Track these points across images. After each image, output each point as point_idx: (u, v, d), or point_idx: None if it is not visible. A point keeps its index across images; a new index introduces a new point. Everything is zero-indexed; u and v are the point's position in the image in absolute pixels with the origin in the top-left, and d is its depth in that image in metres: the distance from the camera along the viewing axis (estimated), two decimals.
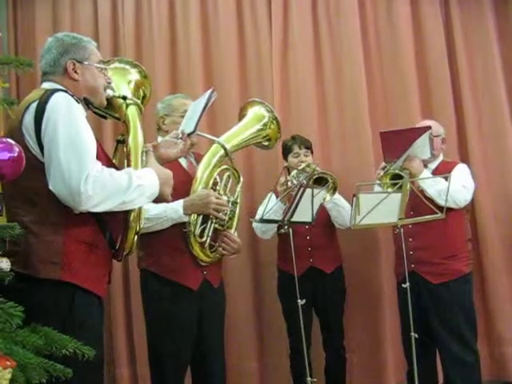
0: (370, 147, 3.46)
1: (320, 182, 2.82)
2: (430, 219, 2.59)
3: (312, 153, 3.09)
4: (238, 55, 3.63)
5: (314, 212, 2.45)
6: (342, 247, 3.18)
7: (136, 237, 1.83)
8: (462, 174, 2.88)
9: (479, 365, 2.86)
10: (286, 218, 2.40)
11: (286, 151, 3.05)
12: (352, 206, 2.54)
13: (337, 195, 2.95)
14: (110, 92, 1.92)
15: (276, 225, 2.88)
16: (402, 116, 3.51)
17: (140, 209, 1.81)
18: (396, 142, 2.77)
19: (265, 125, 2.54)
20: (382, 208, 2.44)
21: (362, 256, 3.41)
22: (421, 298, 2.80)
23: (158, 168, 1.83)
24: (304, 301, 2.49)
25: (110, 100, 1.94)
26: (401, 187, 2.51)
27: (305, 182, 2.44)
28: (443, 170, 2.87)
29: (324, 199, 2.72)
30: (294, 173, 2.81)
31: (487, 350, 3.39)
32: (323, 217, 2.98)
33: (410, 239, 2.80)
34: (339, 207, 2.98)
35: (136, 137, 1.90)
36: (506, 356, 3.39)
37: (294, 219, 2.42)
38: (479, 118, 3.57)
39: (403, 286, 2.62)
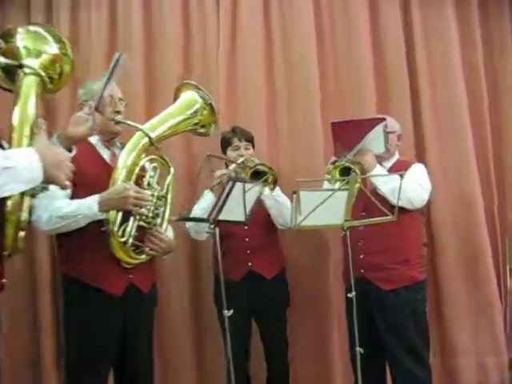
0: (321, 144, 3.29)
1: (259, 176, 2.57)
2: (379, 221, 2.36)
3: (253, 146, 2.88)
4: (182, 47, 3.40)
5: (248, 210, 2.13)
6: (286, 249, 2.98)
7: (21, 232, 1.56)
8: (418, 173, 2.70)
9: (431, 380, 2.67)
10: (211, 217, 2.08)
11: (225, 144, 2.82)
12: (292, 204, 2.30)
13: (278, 191, 2.72)
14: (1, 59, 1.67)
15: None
16: (356, 114, 3.26)
17: (22, 197, 1.55)
18: (348, 133, 2.56)
19: (195, 112, 2.30)
20: (326, 207, 2.19)
21: (309, 259, 3.23)
22: (370, 306, 2.58)
23: (44, 148, 1.56)
24: (231, 312, 2.21)
25: (8, 69, 1.71)
26: (348, 184, 2.27)
27: (233, 175, 2.17)
28: (399, 169, 2.63)
29: (261, 193, 2.46)
30: (231, 167, 2.55)
31: (439, 361, 3.28)
32: (263, 216, 2.74)
33: (361, 242, 2.60)
34: (280, 205, 2.74)
35: (25, 110, 1.64)
36: (457, 367, 3.29)
37: (222, 217, 2.12)
38: (437, 117, 3.44)
39: (348, 295, 2.39)
